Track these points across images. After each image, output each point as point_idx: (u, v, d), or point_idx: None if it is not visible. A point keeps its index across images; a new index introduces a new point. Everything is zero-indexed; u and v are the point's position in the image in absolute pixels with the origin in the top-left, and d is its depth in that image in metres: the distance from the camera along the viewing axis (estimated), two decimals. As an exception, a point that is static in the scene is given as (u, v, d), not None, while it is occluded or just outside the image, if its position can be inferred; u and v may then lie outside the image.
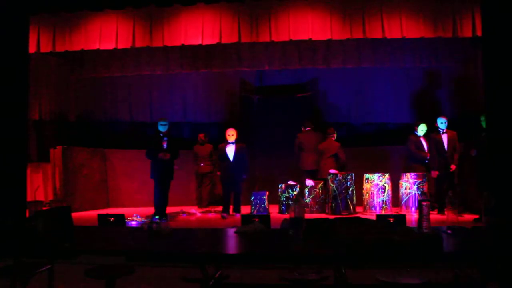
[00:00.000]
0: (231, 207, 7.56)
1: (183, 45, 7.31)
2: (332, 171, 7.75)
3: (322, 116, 9.49)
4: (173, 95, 9.87)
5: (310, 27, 6.91)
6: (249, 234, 3.00)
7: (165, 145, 6.93)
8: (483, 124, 6.48)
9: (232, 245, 2.94)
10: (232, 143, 7.39)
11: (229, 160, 7.37)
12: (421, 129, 7.68)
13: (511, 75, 4.68)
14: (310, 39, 7.05)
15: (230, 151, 7.40)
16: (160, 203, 7.01)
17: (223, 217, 7.20)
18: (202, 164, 8.49)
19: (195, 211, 7.43)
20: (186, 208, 8.38)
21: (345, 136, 9.04)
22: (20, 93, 5.52)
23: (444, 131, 7.28)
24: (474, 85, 7.97)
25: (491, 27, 4.95)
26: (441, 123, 7.28)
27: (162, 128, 7.00)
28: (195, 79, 9.73)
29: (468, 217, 6.50)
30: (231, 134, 7.41)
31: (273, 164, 9.36)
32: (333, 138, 8.00)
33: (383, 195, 7.61)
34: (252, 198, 7.75)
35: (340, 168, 7.86)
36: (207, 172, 8.56)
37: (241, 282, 3.67)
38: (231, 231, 3.22)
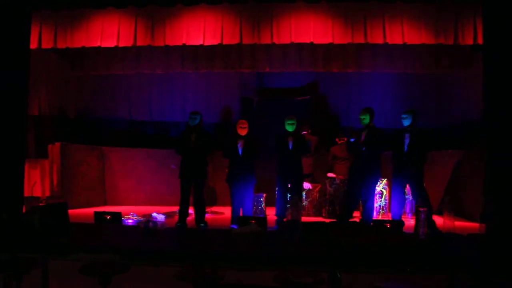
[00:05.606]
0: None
1: (184, 45, 7.31)
2: (330, 175, 7.75)
3: (321, 119, 9.48)
4: (173, 95, 9.86)
5: (312, 30, 6.92)
6: (245, 235, 3.00)
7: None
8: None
9: (228, 246, 2.94)
10: (243, 137, 6.50)
11: (239, 156, 6.46)
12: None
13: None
14: (311, 43, 7.07)
15: (241, 146, 6.48)
16: (196, 208, 6.46)
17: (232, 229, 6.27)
18: None
19: (193, 211, 7.38)
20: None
21: (344, 140, 9.04)
22: (20, 89, 5.52)
23: (407, 128, 5.99)
24: (474, 91, 7.97)
25: (492, 35, 4.96)
26: (402, 118, 6.04)
27: (191, 122, 6.48)
28: (195, 80, 9.71)
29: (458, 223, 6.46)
30: (244, 127, 6.54)
31: (271, 166, 9.32)
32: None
33: (380, 200, 7.62)
34: (250, 199, 7.73)
35: None
36: None
37: (236, 283, 3.67)
38: (227, 232, 3.22)
